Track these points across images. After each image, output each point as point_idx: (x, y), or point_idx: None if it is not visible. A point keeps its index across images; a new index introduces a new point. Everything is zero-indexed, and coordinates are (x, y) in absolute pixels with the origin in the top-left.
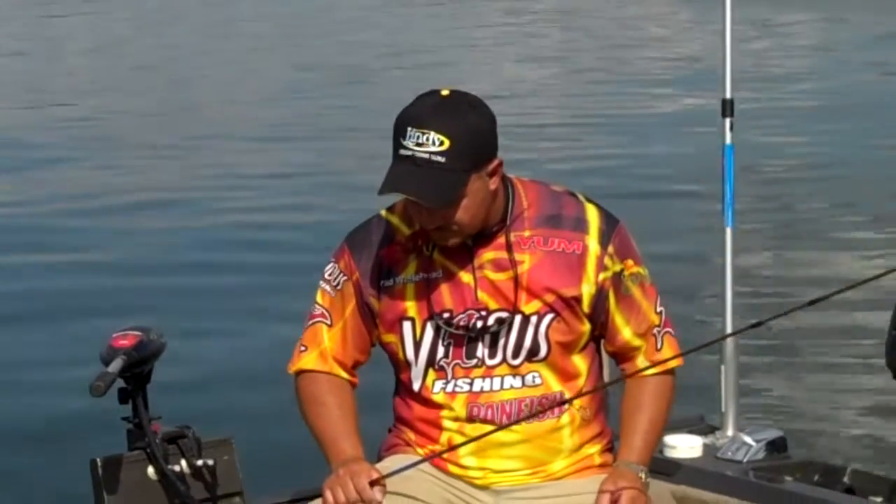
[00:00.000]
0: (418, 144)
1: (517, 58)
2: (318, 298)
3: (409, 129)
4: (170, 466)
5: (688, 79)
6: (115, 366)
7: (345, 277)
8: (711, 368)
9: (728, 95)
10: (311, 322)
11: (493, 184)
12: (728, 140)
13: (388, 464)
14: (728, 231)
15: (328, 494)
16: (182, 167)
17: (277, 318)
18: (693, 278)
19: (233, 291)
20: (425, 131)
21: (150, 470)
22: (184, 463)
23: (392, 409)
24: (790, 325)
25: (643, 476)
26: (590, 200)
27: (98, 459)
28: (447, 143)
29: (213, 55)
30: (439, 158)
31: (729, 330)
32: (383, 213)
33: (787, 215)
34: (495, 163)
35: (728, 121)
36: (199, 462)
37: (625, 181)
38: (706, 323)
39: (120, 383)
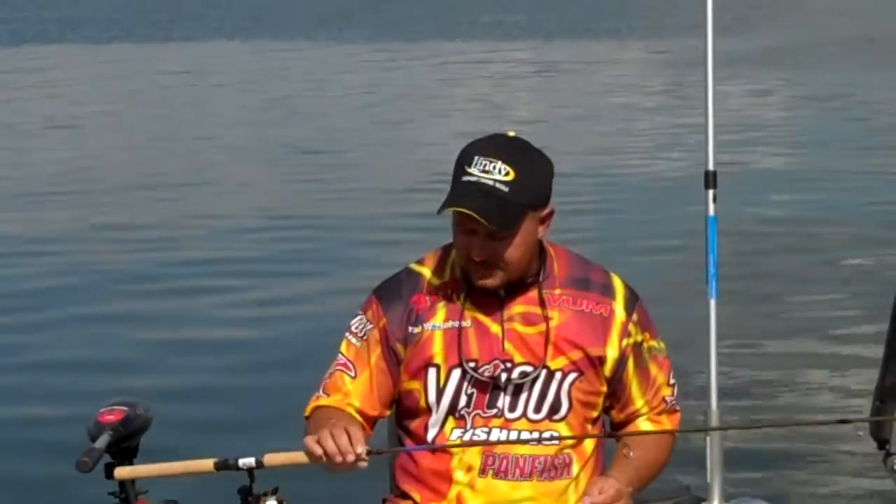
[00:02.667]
0: (484, 171)
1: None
2: (343, 349)
3: (477, 157)
4: None
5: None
6: (102, 441)
7: (371, 326)
8: (697, 443)
9: (711, 167)
10: (332, 371)
11: (542, 232)
12: (711, 212)
13: None
14: (712, 303)
15: (314, 446)
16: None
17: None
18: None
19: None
20: (493, 160)
21: None
22: None
23: (390, 475)
24: (777, 393)
25: (629, 491)
26: (614, 273)
27: None
28: (512, 174)
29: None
30: (503, 188)
31: (713, 397)
32: (413, 266)
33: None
34: (549, 209)
35: (711, 192)
36: None
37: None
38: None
39: (107, 458)
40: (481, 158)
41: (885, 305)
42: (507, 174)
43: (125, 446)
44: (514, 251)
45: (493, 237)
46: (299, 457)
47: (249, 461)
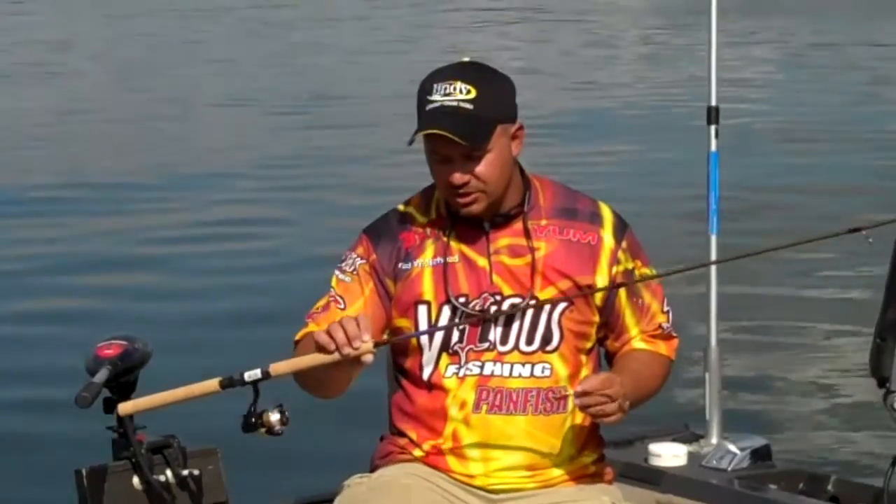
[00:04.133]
0: (446, 94)
1: None
2: (333, 284)
3: (436, 84)
4: (155, 476)
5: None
6: (101, 376)
7: (362, 261)
8: (696, 379)
9: (713, 103)
10: (322, 304)
11: (516, 148)
12: (713, 147)
13: (385, 472)
14: (713, 238)
15: (323, 336)
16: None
17: (265, 324)
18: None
19: (218, 299)
20: (452, 83)
21: (136, 480)
22: (169, 473)
23: (388, 413)
24: (777, 333)
25: (624, 394)
26: (602, 201)
27: (83, 469)
28: (474, 91)
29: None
30: (468, 105)
31: (713, 334)
32: (400, 206)
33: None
34: (517, 125)
35: (713, 128)
36: (185, 472)
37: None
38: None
39: (105, 392)
40: (440, 84)
41: (884, 252)
42: (468, 92)
43: (124, 381)
44: (492, 168)
45: (468, 158)
46: (306, 360)
47: (255, 373)
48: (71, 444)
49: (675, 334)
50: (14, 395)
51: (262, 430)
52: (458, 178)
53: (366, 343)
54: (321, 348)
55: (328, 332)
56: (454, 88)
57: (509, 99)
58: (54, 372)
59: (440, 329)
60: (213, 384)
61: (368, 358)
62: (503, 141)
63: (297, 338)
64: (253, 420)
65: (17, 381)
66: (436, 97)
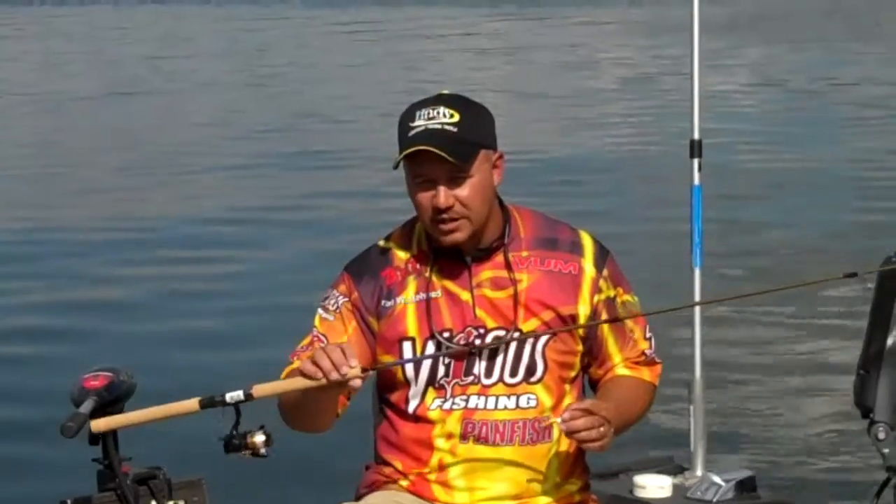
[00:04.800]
0: (430, 118)
1: None
2: (316, 323)
3: (419, 111)
4: None
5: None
6: (87, 406)
7: (344, 299)
8: (681, 412)
9: (696, 136)
10: (306, 342)
11: (497, 177)
12: (696, 181)
13: (370, 501)
14: (697, 272)
15: (308, 366)
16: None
17: (249, 349)
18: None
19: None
20: (436, 107)
21: None
22: None
23: (374, 443)
24: (762, 364)
25: (609, 418)
26: (582, 229)
27: (68, 501)
28: (457, 116)
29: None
30: (452, 128)
31: (698, 367)
32: (381, 242)
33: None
34: (498, 154)
35: (696, 161)
36: (170, 503)
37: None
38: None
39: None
40: (424, 110)
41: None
42: (451, 116)
43: (110, 412)
44: (475, 193)
45: (452, 181)
46: (291, 383)
47: (237, 394)
48: (56, 472)
49: (658, 360)
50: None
51: (247, 452)
52: (443, 200)
53: (353, 369)
54: (304, 373)
55: (313, 361)
56: (438, 112)
57: (490, 127)
58: (37, 396)
59: (427, 358)
60: (192, 404)
61: (357, 382)
62: (486, 167)
63: (282, 376)
64: (236, 442)
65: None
66: (419, 122)
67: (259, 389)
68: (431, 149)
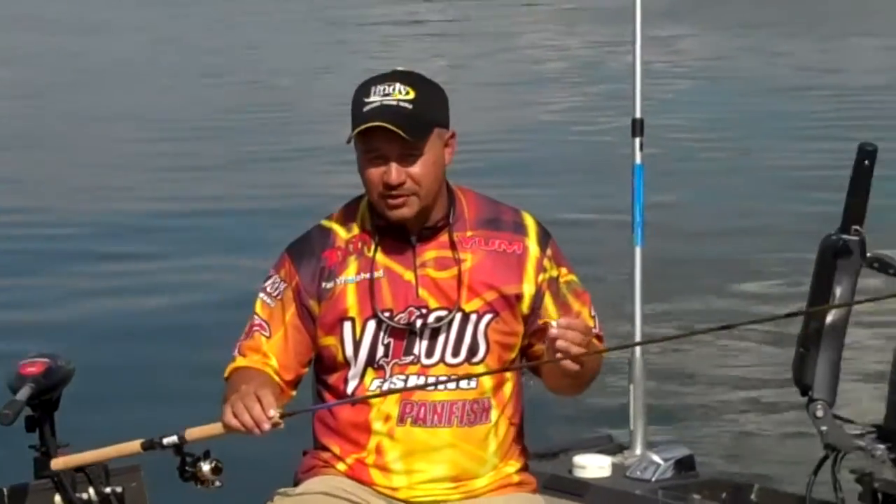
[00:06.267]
0: (385, 94)
1: None
2: (257, 309)
3: (374, 86)
4: (77, 495)
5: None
6: (24, 393)
7: (284, 285)
8: (620, 390)
9: (638, 115)
10: (249, 333)
11: (448, 156)
12: (638, 160)
13: (309, 486)
14: (638, 250)
15: (231, 420)
16: None
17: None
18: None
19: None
20: (391, 84)
21: (58, 498)
22: (91, 491)
23: (311, 428)
24: (699, 345)
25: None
26: (524, 210)
27: (3, 489)
28: (413, 93)
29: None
30: (407, 105)
31: (638, 349)
32: (323, 222)
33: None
34: (451, 133)
35: (638, 140)
36: (108, 490)
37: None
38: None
39: (28, 410)
40: (379, 86)
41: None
42: (407, 93)
43: (47, 398)
44: (427, 170)
45: (405, 158)
46: (218, 428)
47: (172, 439)
48: None
49: (604, 338)
50: None
51: (199, 484)
52: (394, 176)
53: (272, 418)
54: (228, 428)
55: (235, 415)
56: (393, 89)
57: (444, 105)
58: None
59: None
60: (135, 445)
61: (279, 428)
62: (438, 145)
63: (226, 375)
64: (186, 475)
65: None
66: (374, 98)
67: (191, 433)
68: (387, 125)
